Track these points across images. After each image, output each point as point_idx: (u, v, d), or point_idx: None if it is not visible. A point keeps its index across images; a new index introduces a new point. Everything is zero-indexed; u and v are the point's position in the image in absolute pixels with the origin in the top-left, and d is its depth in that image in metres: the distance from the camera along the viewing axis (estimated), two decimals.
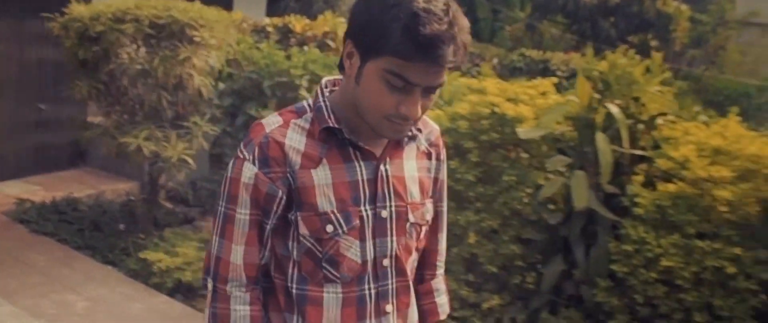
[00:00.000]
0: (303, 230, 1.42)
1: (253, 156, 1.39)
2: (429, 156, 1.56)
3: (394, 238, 1.47)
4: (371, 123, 1.35)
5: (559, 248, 3.68)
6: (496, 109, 3.54)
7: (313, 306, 1.46)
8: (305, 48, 5.85)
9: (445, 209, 1.68)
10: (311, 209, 1.40)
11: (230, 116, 5.52)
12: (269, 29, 6.28)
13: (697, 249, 3.19)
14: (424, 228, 1.55)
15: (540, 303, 3.73)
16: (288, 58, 5.45)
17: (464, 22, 1.30)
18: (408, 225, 1.49)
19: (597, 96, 3.54)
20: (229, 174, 1.43)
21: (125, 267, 5.07)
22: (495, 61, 9.90)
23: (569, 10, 12.25)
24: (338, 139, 1.41)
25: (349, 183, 1.42)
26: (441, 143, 1.61)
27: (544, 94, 3.86)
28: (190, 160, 5.19)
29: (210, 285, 1.47)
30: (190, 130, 5.25)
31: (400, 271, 1.51)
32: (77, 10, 5.00)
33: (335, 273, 1.45)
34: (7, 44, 6.48)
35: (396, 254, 1.49)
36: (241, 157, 1.40)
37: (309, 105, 1.44)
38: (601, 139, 3.36)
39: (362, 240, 1.44)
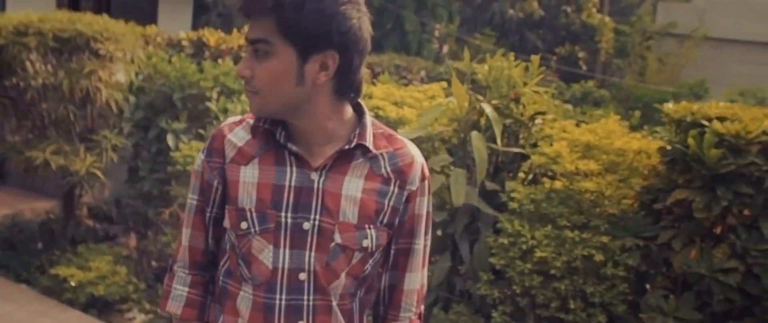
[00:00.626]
0: (226, 223, 1.46)
1: (205, 146, 1.49)
2: (386, 181, 1.47)
3: (313, 254, 1.42)
4: None
5: (448, 245, 3.82)
6: (380, 112, 3.67)
7: (231, 300, 1.49)
8: (219, 61, 5.93)
9: (418, 247, 1.56)
10: (233, 203, 1.44)
11: (143, 129, 5.55)
12: (184, 43, 6.35)
13: (567, 240, 3.36)
14: (359, 254, 1.45)
15: (431, 300, 3.86)
16: (200, 71, 5.52)
17: None
18: (332, 244, 1.42)
19: (480, 97, 3.70)
20: None
21: (39, 285, 5.05)
22: (423, 73, 10.10)
23: (496, 24, 12.56)
24: (277, 141, 1.42)
25: (273, 186, 1.41)
26: (415, 174, 1.50)
27: (432, 97, 4.02)
28: (99, 174, 5.21)
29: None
30: (100, 144, 5.27)
31: (320, 289, 1.44)
32: None
33: (247, 273, 1.45)
34: None
35: (315, 270, 1.43)
36: (200, 154, 1.52)
37: None
38: (475, 137, 3.52)
39: (276, 246, 1.42)
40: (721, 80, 12.20)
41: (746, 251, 3.07)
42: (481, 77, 3.86)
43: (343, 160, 1.43)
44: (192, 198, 1.53)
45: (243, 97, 5.12)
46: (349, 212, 1.42)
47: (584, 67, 13.05)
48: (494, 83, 3.84)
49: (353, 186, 1.43)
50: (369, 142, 1.45)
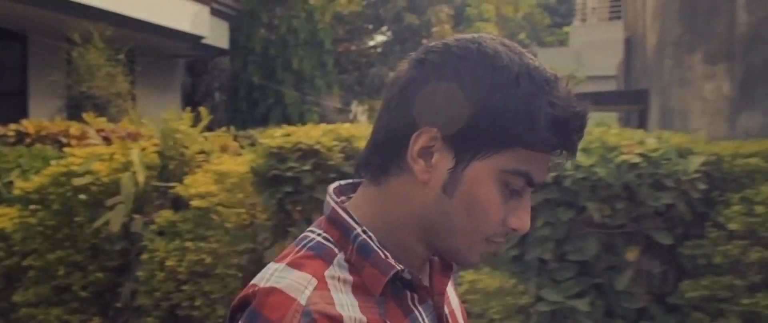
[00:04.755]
0: None
1: None
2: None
3: None
4: (459, 246, 0.95)
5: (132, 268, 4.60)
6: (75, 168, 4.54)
7: None
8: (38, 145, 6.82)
9: None
10: None
11: None
12: (9, 133, 7.26)
13: (187, 250, 4.13)
14: None
15: (127, 316, 4.61)
16: None
17: None
18: None
19: (131, 145, 4.55)
20: None
21: None
22: None
23: (375, 88, 13.56)
24: (390, 283, 0.94)
25: None
26: None
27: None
28: None
29: None
30: None
31: None
32: None
33: None
34: None
35: None
36: None
37: (327, 239, 0.95)
38: (124, 177, 4.35)
39: None
40: None
41: None
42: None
43: (439, 269, 1.04)
44: None
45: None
46: None
47: None
48: (164, 134, 4.69)
49: (452, 294, 1.10)
50: None
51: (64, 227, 4.69)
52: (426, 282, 1.00)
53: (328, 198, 0.98)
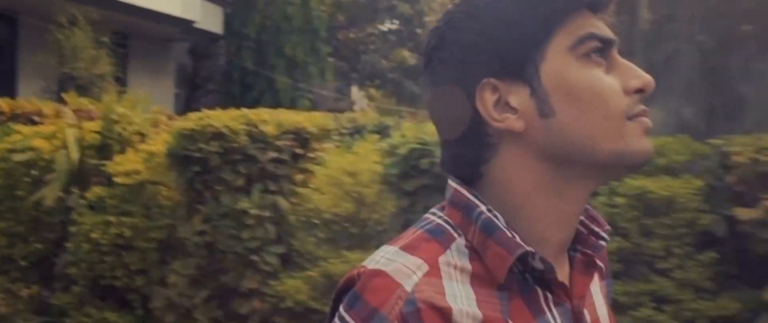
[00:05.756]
0: None
1: None
2: (602, 275, 0.95)
3: None
4: (613, 144, 0.80)
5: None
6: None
7: None
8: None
9: None
10: None
11: None
12: None
13: (111, 224, 4.41)
14: None
15: (61, 285, 4.90)
16: None
17: None
18: None
19: (71, 123, 4.83)
20: None
21: None
22: None
23: (366, 75, 13.77)
24: (519, 275, 0.81)
25: None
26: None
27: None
28: None
29: None
30: None
31: None
32: None
33: None
34: None
35: None
36: None
37: (447, 222, 0.83)
38: (59, 155, 4.63)
39: None
40: None
41: (210, 218, 4.10)
42: (94, 109, 4.97)
43: (580, 268, 0.88)
44: None
45: None
46: None
47: None
48: (104, 115, 4.96)
49: (599, 299, 0.93)
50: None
51: (7, 200, 5.00)
52: (563, 280, 0.83)
53: (449, 182, 0.85)
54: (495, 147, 0.82)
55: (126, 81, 10.91)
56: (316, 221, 4.11)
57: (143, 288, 4.42)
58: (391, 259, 0.77)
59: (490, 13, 0.81)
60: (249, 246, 4.03)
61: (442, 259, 0.78)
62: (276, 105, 12.60)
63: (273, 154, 4.09)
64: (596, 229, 0.89)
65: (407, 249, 0.79)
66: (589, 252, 0.87)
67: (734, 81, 4.25)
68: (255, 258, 4.04)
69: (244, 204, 4.02)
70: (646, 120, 0.81)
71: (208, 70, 14.92)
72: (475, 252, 0.80)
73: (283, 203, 4.11)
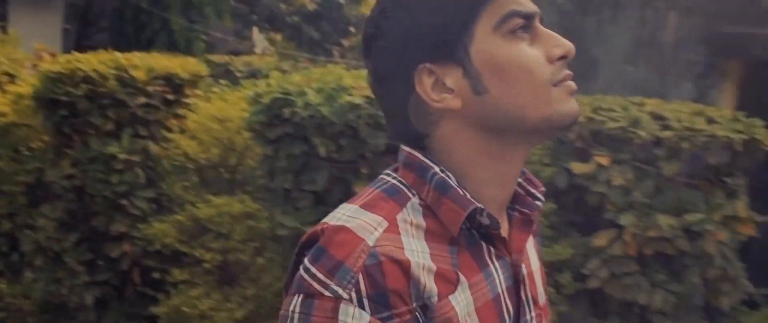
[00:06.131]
0: None
1: (358, 290, 0.81)
2: (535, 232, 1.05)
3: None
4: (541, 110, 0.89)
5: None
6: None
7: None
8: None
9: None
10: None
11: None
12: None
13: None
14: None
15: None
16: None
17: None
18: None
19: None
20: None
21: None
22: None
23: (267, 18, 13.61)
24: (466, 231, 0.90)
25: (492, 304, 0.92)
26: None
27: None
28: None
29: None
30: None
31: None
32: None
33: None
34: None
35: None
36: (327, 294, 0.81)
37: (401, 182, 0.92)
38: None
39: None
40: None
41: (79, 162, 4.10)
42: None
43: (518, 223, 0.98)
44: None
45: None
46: (541, 289, 1.04)
47: None
48: None
49: (532, 253, 1.03)
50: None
51: None
52: (504, 236, 0.93)
53: (401, 146, 0.94)
54: (437, 123, 0.91)
55: (6, 14, 10.42)
56: (190, 166, 4.17)
57: (12, 232, 4.39)
58: (352, 216, 0.85)
59: (419, 1, 0.89)
60: (118, 191, 4.07)
61: (399, 216, 0.87)
62: (170, 46, 12.34)
63: (143, 99, 4.10)
64: (532, 190, 0.99)
65: (367, 207, 0.87)
66: (526, 211, 0.97)
67: (588, 43, 4.53)
68: (124, 202, 4.08)
69: (113, 148, 4.04)
70: (570, 83, 0.91)
71: (100, 5, 14.36)
72: (428, 210, 0.89)
73: (153, 148, 4.15)
